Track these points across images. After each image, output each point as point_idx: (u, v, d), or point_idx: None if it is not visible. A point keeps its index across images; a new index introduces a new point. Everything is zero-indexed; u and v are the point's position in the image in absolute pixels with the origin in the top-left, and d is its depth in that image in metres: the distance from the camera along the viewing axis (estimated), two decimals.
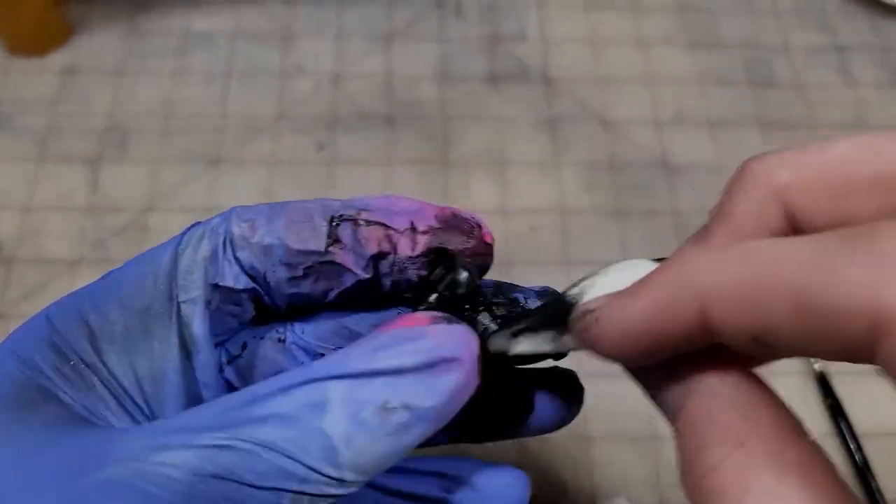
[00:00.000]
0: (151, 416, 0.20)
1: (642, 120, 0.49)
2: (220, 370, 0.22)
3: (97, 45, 0.50)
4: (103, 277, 0.21)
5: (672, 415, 0.16)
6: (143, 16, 0.51)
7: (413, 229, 0.21)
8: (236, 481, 0.16)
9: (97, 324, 0.20)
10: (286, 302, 0.22)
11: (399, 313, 0.22)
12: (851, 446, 0.38)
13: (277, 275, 0.21)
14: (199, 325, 0.20)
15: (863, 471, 0.38)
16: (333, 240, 0.21)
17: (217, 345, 0.22)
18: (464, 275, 0.20)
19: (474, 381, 0.18)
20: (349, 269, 0.21)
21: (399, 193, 0.45)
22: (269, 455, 0.16)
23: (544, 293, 0.23)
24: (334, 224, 0.21)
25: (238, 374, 0.22)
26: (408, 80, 0.50)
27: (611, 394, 0.40)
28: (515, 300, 0.22)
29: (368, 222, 0.21)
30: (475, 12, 0.53)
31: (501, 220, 0.45)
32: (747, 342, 0.15)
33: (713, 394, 0.16)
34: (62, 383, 0.19)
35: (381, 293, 0.22)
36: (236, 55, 0.50)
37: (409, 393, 0.17)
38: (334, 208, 0.21)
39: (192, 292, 0.20)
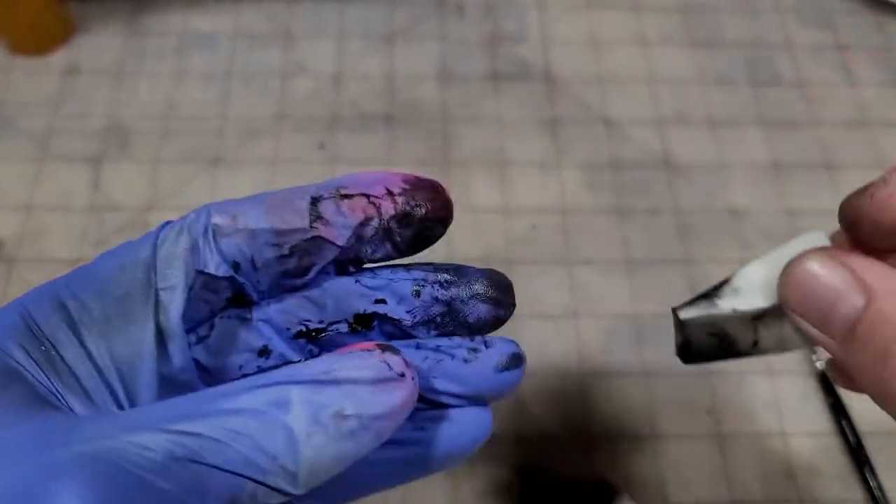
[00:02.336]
0: (124, 399, 0.21)
1: (643, 119, 0.49)
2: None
3: (98, 46, 0.50)
4: (78, 269, 0.22)
5: (848, 327, 0.20)
6: (144, 16, 0.52)
7: (389, 193, 0.23)
8: (205, 464, 0.18)
9: (75, 309, 0.21)
10: (270, 284, 0.23)
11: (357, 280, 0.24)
12: (853, 444, 0.38)
13: (265, 255, 0.23)
14: (175, 311, 0.21)
15: (864, 468, 0.38)
16: (316, 216, 0.23)
17: (188, 330, 0.23)
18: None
19: (414, 400, 0.20)
20: (332, 243, 0.23)
21: None
22: (236, 443, 0.18)
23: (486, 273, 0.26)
24: (315, 203, 0.23)
25: (207, 352, 0.23)
26: (408, 80, 0.50)
27: (614, 393, 0.40)
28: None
29: (349, 195, 0.23)
30: (476, 12, 0.53)
31: (502, 220, 0.45)
32: None
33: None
34: (31, 368, 0.20)
35: (358, 267, 0.24)
36: (237, 55, 0.50)
37: (361, 403, 0.19)
38: (310, 190, 0.23)
39: (171, 280, 0.22)
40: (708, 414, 0.40)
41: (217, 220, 0.22)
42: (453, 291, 0.25)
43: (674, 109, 0.50)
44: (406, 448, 0.23)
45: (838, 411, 0.39)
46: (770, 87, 0.51)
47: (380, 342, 0.21)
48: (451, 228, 0.45)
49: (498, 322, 0.25)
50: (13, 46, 0.49)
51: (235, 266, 0.23)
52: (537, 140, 0.48)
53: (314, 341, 0.24)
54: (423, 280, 0.24)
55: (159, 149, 0.46)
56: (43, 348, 0.21)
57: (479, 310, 0.25)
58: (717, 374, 0.41)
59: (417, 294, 0.24)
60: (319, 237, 0.23)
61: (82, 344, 0.21)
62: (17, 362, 0.20)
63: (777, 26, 0.54)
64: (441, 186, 0.25)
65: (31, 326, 0.21)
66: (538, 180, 0.46)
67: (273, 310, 0.24)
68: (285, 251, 0.23)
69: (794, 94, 0.51)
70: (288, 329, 0.24)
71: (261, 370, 0.24)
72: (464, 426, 0.24)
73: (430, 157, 0.47)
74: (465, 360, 0.24)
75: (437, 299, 0.24)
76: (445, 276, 0.25)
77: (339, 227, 0.23)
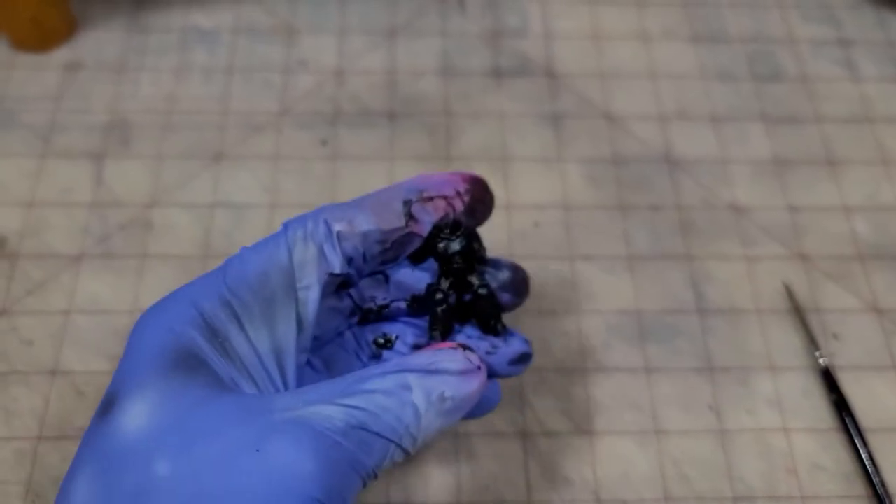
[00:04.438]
0: (279, 382, 0.27)
1: (645, 114, 0.49)
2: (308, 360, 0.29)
3: (100, 41, 0.50)
4: (229, 265, 0.27)
5: None
6: (146, 11, 0.51)
7: (458, 193, 0.30)
8: (370, 431, 0.24)
9: (239, 307, 0.26)
10: (371, 270, 0.30)
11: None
12: (857, 441, 0.38)
13: (373, 250, 0.29)
14: (312, 306, 0.27)
15: (868, 465, 0.38)
16: (409, 216, 0.29)
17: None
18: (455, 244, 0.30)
19: (484, 386, 0.27)
20: (419, 235, 0.30)
21: None
22: (385, 416, 0.25)
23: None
24: (407, 205, 0.29)
25: (318, 325, 0.28)
26: (410, 76, 0.50)
27: (615, 389, 0.40)
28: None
29: (431, 198, 0.30)
30: (477, 7, 0.53)
31: (505, 216, 0.45)
32: None
33: None
34: (213, 355, 0.26)
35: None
36: (238, 51, 0.50)
37: (455, 388, 0.26)
38: (400, 193, 0.29)
39: (307, 282, 0.27)
40: (709, 409, 0.40)
41: (338, 227, 0.28)
42: (493, 283, 0.32)
43: (676, 105, 0.50)
44: None
45: (841, 407, 0.39)
46: (772, 83, 0.51)
47: (460, 342, 0.28)
48: None
49: (515, 306, 0.34)
50: (15, 42, 0.49)
51: (349, 261, 0.28)
52: (539, 135, 0.48)
53: (381, 311, 0.32)
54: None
55: (161, 144, 0.46)
56: (219, 340, 0.26)
57: (505, 297, 0.33)
58: (718, 370, 0.41)
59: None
60: (412, 232, 0.29)
61: (247, 337, 0.26)
62: (201, 349, 0.25)
63: (779, 21, 0.54)
64: (485, 181, 0.32)
65: (207, 319, 0.26)
66: (540, 176, 0.46)
67: (358, 287, 0.31)
68: (388, 245, 0.29)
69: (796, 89, 0.51)
70: (366, 302, 0.32)
71: (350, 329, 0.32)
72: (485, 394, 0.30)
73: (432, 152, 0.47)
74: (488, 353, 0.31)
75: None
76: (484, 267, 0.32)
77: (425, 222, 0.30)
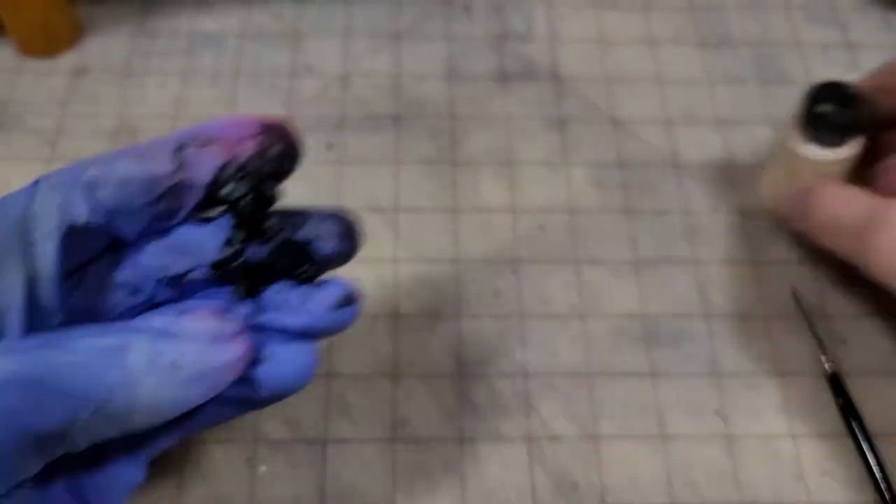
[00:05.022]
0: None
1: (652, 118, 0.49)
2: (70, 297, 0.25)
3: (106, 46, 0.50)
4: None
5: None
6: (153, 16, 0.52)
7: (245, 135, 0.26)
8: (47, 388, 0.20)
9: None
10: (143, 228, 0.26)
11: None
12: (864, 447, 0.38)
13: (136, 202, 0.25)
14: (48, 260, 0.23)
15: (876, 471, 0.38)
16: (180, 163, 0.25)
17: (66, 277, 0.24)
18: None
19: (247, 358, 0.23)
20: (195, 186, 0.25)
21: (408, 192, 0.45)
22: (77, 374, 0.20)
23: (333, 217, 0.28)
24: (178, 151, 0.25)
25: (84, 296, 0.25)
26: (415, 79, 0.50)
27: (621, 393, 0.40)
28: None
29: (209, 142, 0.26)
30: (483, 10, 0.53)
31: (510, 219, 0.45)
32: None
33: None
34: None
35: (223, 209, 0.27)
36: (244, 55, 0.50)
37: (194, 355, 0.22)
38: (172, 139, 0.25)
39: (42, 231, 0.23)
40: (716, 415, 0.39)
41: (91, 172, 0.24)
42: (304, 231, 0.27)
43: (682, 109, 0.49)
44: (232, 388, 0.23)
45: (849, 413, 0.39)
46: (779, 86, 0.51)
47: (219, 308, 0.24)
48: (458, 227, 0.46)
49: (344, 258, 0.28)
50: (22, 47, 0.49)
51: (109, 214, 0.24)
52: (545, 139, 0.48)
53: (176, 285, 0.27)
54: (276, 224, 0.27)
55: None
56: None
57: (328, 246, 0.27)
58: (725, 375, 0.41)
59: (269, 238, 0.26)
60: (183, 182, 0.25)
61: None
62: None
63: (785, 24, 0.53)
64: (287, 125, 0.27)
65: None
66: (546, 179, 0.46)
67: (142, 254, 0.26)
68: (153, 197, 0.25)
69: (803, 92, 0.50)
70: (155, 274, 0.27)
71: (134, 307, 0.27)
72: (287, 365, 0.26)
73: (437, 156, 0.47)
74: (303, 296, 0.26)
75: (288, 239, 0.27)
76: (296, 218, 0.27)
77: (203, 170, 0.25)
